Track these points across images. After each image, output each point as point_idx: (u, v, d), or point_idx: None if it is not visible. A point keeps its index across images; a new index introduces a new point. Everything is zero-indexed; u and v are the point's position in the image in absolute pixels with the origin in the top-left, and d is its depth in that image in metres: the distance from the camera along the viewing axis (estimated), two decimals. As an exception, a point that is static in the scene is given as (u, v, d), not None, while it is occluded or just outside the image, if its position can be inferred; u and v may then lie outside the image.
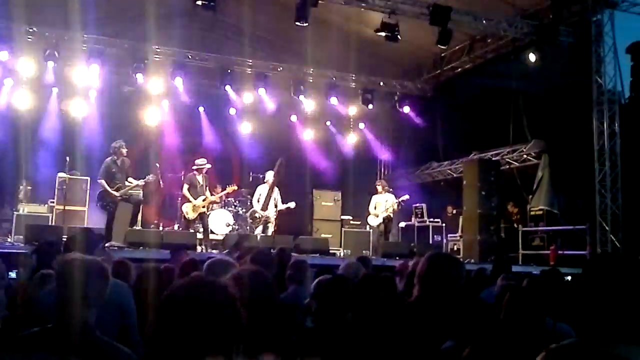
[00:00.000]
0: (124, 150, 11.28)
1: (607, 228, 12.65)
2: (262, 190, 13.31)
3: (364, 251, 13.53)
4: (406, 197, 14.16)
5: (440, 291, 3.45)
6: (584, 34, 13.52)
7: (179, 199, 13.93)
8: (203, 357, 1.57)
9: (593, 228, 12.72)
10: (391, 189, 14.56)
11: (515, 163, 15.42)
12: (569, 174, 13.48)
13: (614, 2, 13.08)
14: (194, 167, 12.88)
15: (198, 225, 13.02)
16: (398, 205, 13.95)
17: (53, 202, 13.84)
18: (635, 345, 1.78)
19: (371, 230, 14.46)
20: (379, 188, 14.09)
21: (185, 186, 12.72)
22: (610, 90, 13.34)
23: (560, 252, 12.71)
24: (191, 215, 12.61)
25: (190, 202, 12.56)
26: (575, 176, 13.35)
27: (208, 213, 13.34)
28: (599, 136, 13.09)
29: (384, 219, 13.76)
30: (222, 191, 13.97)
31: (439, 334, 3.07)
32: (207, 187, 12.87)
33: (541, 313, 3.58)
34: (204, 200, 12.60)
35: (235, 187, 13.93)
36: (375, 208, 13.88)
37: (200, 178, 12.69)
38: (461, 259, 10.50)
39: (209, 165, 12.96)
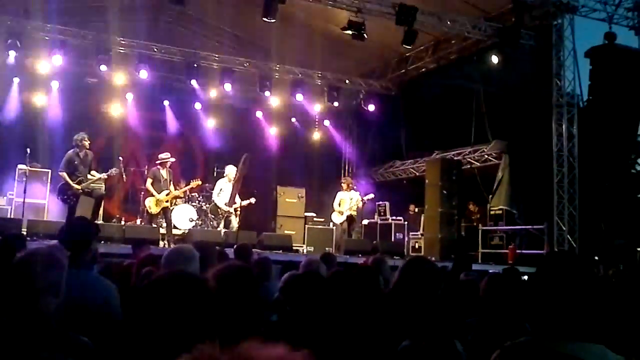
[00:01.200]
0: (87, 143, 11.13)
1: (564, 228, 12.98)
2: (222, 185, 13.20)
3: (327, 248, 13.62)
4: (371, 195, 14.32)
5: (415, 294, 3.53)
6: (544, 37, 13.85)
7: (142, 193, 13.77)
8: (176, 350, 1.60)
9: (551, 228, 13.04)
10: (356, 187, 14.69)
11: (476, 163, 15.70)
12: (529, 174, 13.78)
13: (574, 8, 13.42)
14: (158, 162, 12.78)
15: (161, 220, 12.94)
16: (363, 204, 14.10)
17: (12, 195, 13.59)
18: (587, 342, 1.86)
19: (334, 227, 14.55)
20: (344, 185, 14.19)
21: (149, 180, 12.61)
22: (569, 93, 13.68)
23: (518, 251, 12.98)
24: (154, 209, 12.52)
25: (153, 196, 12.46)
26: (534, 177, 13.66)
27: (171, 208, 13.31)
28: (558, 138, 13.42)
29: (347, 217, 13.88)
30: (185, 186, 13.87)
31: (402, 331, 3.13)
32: (171, 182, 12.80)
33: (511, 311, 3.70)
34: (167, 195, 12.53)
35: (199, 182, 13.81)
36: (339, 205, 13.99)
37: (164, 172, 12.60)
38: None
39: (172, 159, 12.93)
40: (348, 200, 13.88)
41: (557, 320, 1.90)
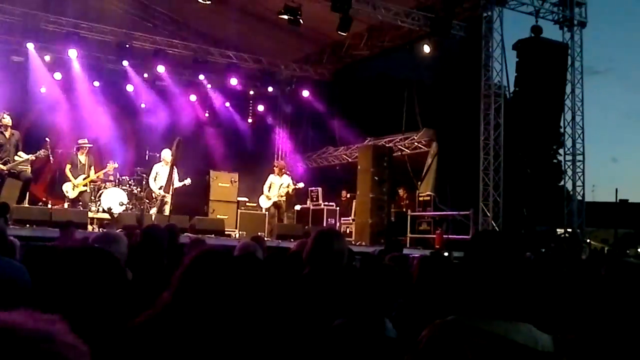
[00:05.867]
0: (6, 121, 10.79)
1: (488, 214, 13.46)
2: (158, 169, 13.14)
3: (259, 233, 13.64)
4: (301, 185, 14.40)
5: (327, 265, 3.64)
6: (474, 29, 14.25)
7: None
8: (90, 318, 1.64)
9: (476, 214, 13.50)
10: (288, 172, 14.74)
11: (406, 150, 16.05)
12: (456, 162, 14.21)
13: (504, 0, 13.85)
14: (76, 146, 13.17)
15: (80, 204, 12.86)
16: (293, 190, 14.18)
17: None
18: (514, 321, 1.90)
19: (267, 212, 14.60)
20: (276, 169, 14.23)
21: (68, 166, 12.98)
22: (496, 84, 14.14)
23: (445, 236, 13.37)
24: (72, 194, 12.87)
25: (70, 181, 12.80)
26: (461, 164, 14.09)
27: (99, 192, 13.64)
28: (485, 127, 13.85)
29: (274, 203, 13.92)
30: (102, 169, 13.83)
31: (328, 310, 3.23)
32: (91, 167, 13.12)
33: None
34: (84, 179, 12.87)
35: (115, 165, 14.00)
36: (269, 189, 14.01)
37: (82, 157, 12.98)
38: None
39: (89, 145, 13.28)
40: (278, 185, 13.92)
41: (484, 299, 1.93)
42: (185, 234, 10.53)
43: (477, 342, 1.86)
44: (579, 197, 14.59)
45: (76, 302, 1.65)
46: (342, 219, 15.91)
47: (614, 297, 2.53)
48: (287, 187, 13.91)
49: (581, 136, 14.78)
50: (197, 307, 2.05)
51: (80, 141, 13.20)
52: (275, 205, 14.01)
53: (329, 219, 15.69)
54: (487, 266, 1.96)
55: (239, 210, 15.47)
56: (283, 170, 14.31)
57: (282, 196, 13.97)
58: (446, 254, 7.31)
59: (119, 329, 1.68)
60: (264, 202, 14.17)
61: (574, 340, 2.11)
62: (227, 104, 19.06)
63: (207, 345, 1.97)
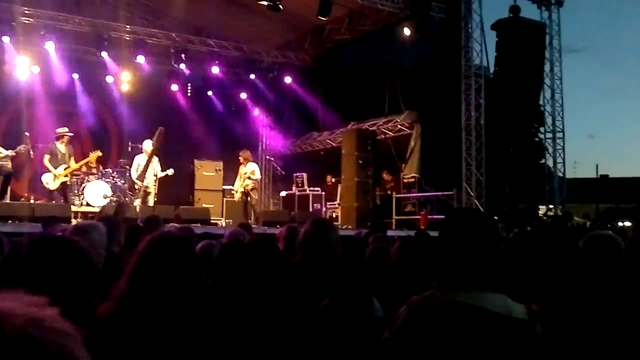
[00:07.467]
0: None
1: (472, 193, 13.58)
2: (140, 160, 13.05)
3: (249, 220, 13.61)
4: (258, 175, 14.07)
5: (322, 252, 3.68)
6: (454, 10, 14.28)
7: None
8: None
9: (460, 193, 13.61)
10: (252, 159, 14.32)
11: (390, 133, 16.09)
12: (439, 143, 14.30)
13: (482, -19, 13.89)
14: (55, 136, 12.59)
15: (60, 196, 12.60)
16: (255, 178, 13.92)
17: None
18: (488, 292, 1.96)
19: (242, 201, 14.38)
20: (241, 159, 13.76)
21: (47, 156, 12.40)
22: (477, 64, 14.21)
23: (430, 217, 13.47)
24: (52, 185, 12.34)
25: (50, 172, 12.27)
26: (444, 145, 14.19)
27: (74, 182, 13.28)
28: (466, 108, 13.95)
29: (242, 193, 13.65)
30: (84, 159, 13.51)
31: (319, 293, 3.26)
32: (71, 157, 12.65)
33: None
34: (65, 169, 12.37)
35: (99, 153, 13.55)
36: (239, 181, 13.79)
37: (61, 147, 12.46)
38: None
39: (70, 134, 12.77)
40: (242, 176, 13.62)
41: (459, 272, 1.99)
42: (171, 224, 10.53)
43: (453, 313, 1.92)
44: (560, 174, 14.77)
45: (38, 289, 1.68)
46: (328, 203, 15.98)
47: (586, 267, 2.60)
48: (250, 173, 13.51)
49: (561, 114, 14.97)
50: (155, 296, 2.05)
51: (59, 130, 12.61)
52: (243, 194, 13.67)
53: (315, 204, 15.74)
54: (459, 240, 2.02)
55: (224, 199, 15.47)
56: (248, 159, 13.87)
57: (246, 185, 13.54)
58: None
59: (83, 317, 1.70)
60: (235, 196, 14.02)
61: (547, 309, 2.18)
62: (210, 93, 18.99)
63: (171, 336, 1.98)
